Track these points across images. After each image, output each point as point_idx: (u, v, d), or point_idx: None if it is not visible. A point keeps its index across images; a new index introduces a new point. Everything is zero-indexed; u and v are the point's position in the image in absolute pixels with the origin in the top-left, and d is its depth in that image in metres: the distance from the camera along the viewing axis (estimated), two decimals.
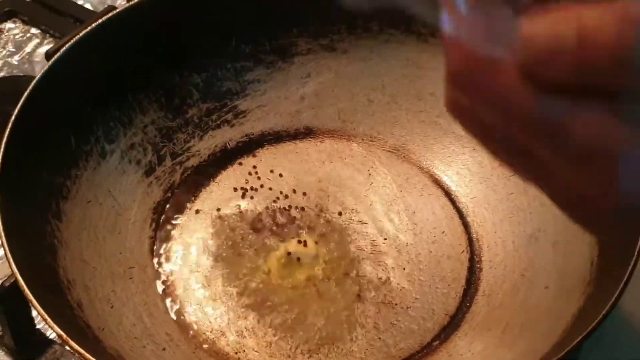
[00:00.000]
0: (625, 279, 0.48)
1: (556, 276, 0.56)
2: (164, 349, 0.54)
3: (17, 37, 0.85)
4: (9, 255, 0.48)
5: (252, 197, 0.66)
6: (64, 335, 0.45)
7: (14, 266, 0.48)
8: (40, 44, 0.85)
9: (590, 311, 0.49)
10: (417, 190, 0.67)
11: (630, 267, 0.48)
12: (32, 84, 0.57)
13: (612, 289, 0.48)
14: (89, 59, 0.60)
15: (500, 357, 0.53)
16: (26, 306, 0.57)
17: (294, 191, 0.66)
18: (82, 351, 0.44)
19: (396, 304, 0.59)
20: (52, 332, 0.59)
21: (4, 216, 0.50)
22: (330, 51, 0.70)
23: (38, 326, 0.60)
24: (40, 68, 0.81)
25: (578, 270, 0.54)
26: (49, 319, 0.45)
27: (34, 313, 0.60)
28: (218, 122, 0.69)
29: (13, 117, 0.55)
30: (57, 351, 0.59)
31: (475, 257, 0.62)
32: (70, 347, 0.45)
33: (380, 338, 0.57)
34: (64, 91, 0.59)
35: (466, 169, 0.67)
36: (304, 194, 0.66)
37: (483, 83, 0.28)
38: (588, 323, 0.46)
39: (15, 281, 0.48)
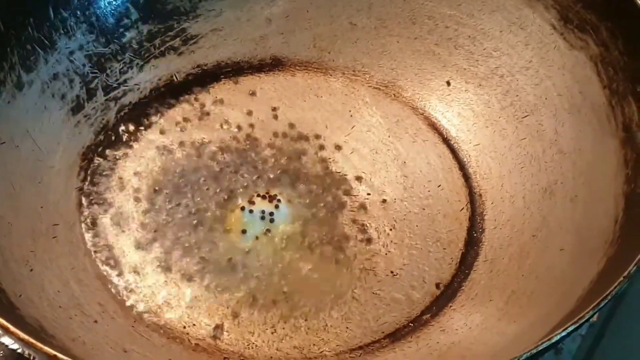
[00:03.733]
0: None
1: (573, 236, 0.60)
2: (95, 321, 0.57)
3: None
4: None
5: (205, 142, 0.69)
6: None
7: None
8: None
9: (610, 275, 0.52)
10: (409, 135, 0.71)
11: None
12: None
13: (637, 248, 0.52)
14: None
15: (502, 331, 0.57)
16: None
17: (258, 136, 0.70)
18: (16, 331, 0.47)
19: (379, 271, 0.63)
20: None
21: None
22: None
23: None
24: None
25: (599, 229, 0.58)
26: None
27: None
28: (162, 48, 0.73)
29: None
30: None
31: (476, 215, 0.67)
32: None
33: (359, 310, 0.61)
34: None
35: (469, 110, 0.71)
36: (270, 139, 0.70)
37: None
38: (607, 287, 0.50)
39: None
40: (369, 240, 0.65)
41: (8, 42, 0.64)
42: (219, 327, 0.60)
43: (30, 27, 0.66)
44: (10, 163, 0.62)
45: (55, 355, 0.46)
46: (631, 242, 0.55)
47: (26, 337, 0.47)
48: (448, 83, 0.72)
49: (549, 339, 0.48)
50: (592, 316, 0.50)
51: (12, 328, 0.47)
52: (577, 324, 0.49)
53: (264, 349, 0.59)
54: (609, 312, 0.68)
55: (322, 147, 0.70)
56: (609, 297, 0.50)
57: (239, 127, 0.71)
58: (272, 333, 0.60)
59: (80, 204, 0.65)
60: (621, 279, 0.51)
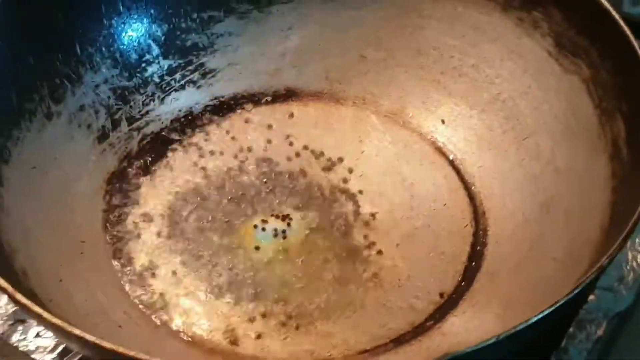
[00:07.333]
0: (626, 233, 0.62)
1: (566, 246, 0.71)
2: (120, 326, 0.69)
3: None
4: None
5: (222, 168, 0.84)
6: (17, 296, 0.57)
7: None
8: None
9: (594, 275, 0.61)
10: (416, 159, 0.85)
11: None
12: None
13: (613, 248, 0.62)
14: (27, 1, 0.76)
15: (497, 332, 0.62)
16: None
17: (272, 160, 0.84)
18: (40, 311, 0.56)
19: (386, 283, 0.76)
20: None
21: None
22: None
23: None
24: None
25: (588, 238, 0.69)
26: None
27: None
28: (182, 82, 0.87)
29: None
30: None
31: (479, 231, 0.79)
32: (23, 307, 0.58)
33: (366, 318, 0.73)
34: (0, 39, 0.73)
35: (474, 134, 0.85)
36: (285, 163, 0.84)
37: None
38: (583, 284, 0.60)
39: None
40: (377, 255, 0.77)
41: (38, 75, 0.77)
42: (234, 333, 0.72)
43: (58, 62, 0.80)
44: (39, 186, 0.74)
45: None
46: (610, 244, 0.63)
47: (59, 322, 0.56)
48: (442, 122, 0.86)
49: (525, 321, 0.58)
50: (568, 297, 0.58)
51: (45, 315, 0.57)
52: (553, 308, 0.58)
53: (277, 351, 0.71)
54: (616, 328, 0.77)
55: (333, 169, 0.84)
56: (581, 286, 0.60)
57: (255, 153, 0.85)
58: (284, 339, 0.72)
59: (105, 225, 0.78)
60: (590, 274, 0.60)
